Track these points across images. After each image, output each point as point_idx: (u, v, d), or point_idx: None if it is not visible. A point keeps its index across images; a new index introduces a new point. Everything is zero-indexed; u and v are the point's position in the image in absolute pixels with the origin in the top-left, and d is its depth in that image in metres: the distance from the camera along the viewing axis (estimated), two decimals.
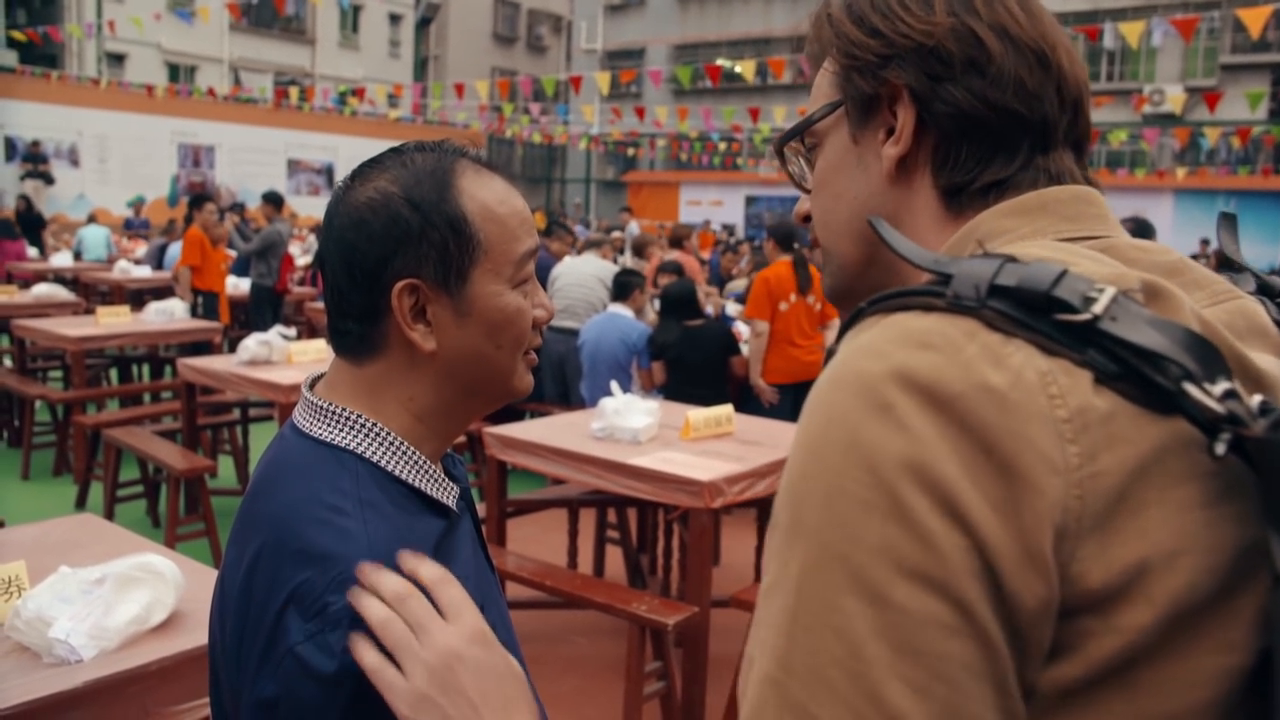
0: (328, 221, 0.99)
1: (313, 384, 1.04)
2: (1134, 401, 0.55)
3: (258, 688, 0.86)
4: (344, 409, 0.98)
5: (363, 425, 0.97)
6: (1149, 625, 0.54)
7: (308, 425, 0.98)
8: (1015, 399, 0.55)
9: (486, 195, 0.99)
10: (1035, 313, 0.57)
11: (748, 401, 5.47)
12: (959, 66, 0.71)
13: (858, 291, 0.79)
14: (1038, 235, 0.68)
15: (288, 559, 0.88)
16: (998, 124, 0.71)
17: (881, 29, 0.74)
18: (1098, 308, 0.56)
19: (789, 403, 5.62)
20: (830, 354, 0.64)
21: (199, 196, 8.19)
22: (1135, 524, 0.54)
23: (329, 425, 0.97)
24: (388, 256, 0.94)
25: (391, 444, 0.97)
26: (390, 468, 0.96)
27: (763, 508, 4.53)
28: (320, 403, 0.99)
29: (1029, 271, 0.58)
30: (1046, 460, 0.54)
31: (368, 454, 0.96)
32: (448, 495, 1.01)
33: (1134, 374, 0.55)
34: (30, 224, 13.59)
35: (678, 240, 9.43)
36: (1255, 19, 9.14)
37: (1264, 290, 0.75)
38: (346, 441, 0.96)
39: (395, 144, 1.05)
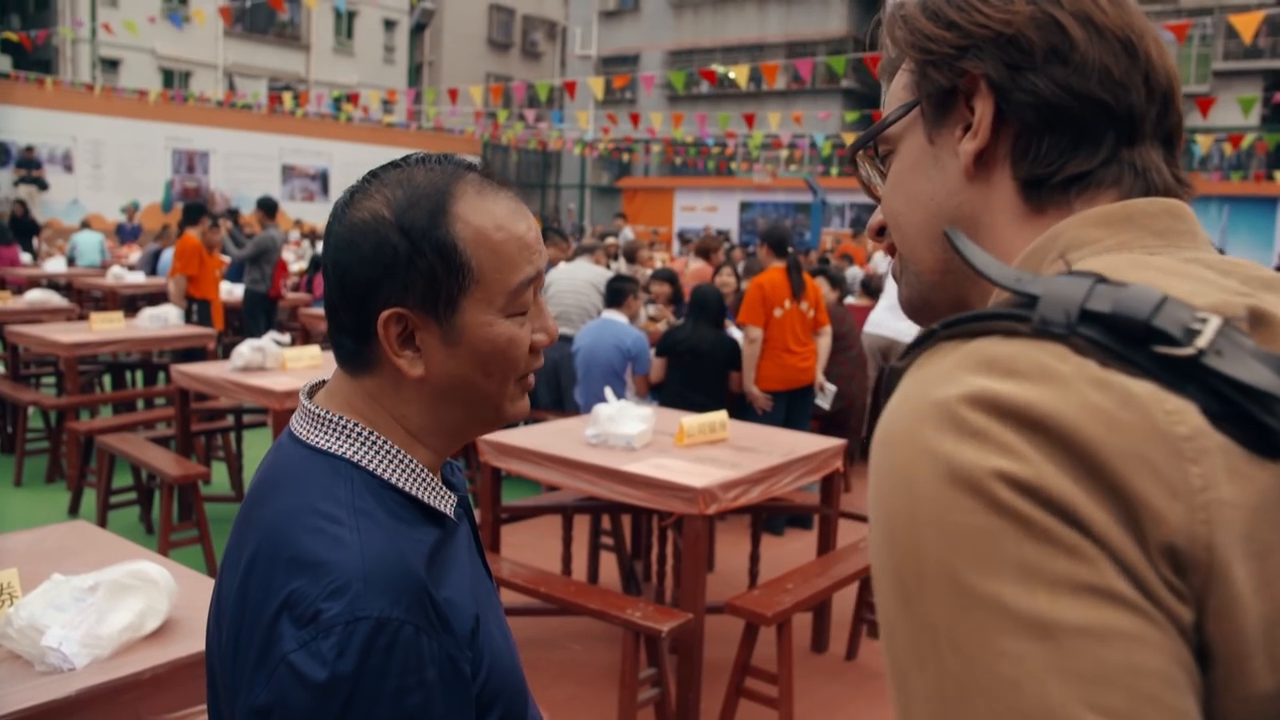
0: (326, 235, 0.99)
1: (312, 392, 1.05)
2: (1239, 443, 0.50)
3: (252, 695, 0.86)
4: (341, 417, 0.98)
5: (359, 434, 0.97)
6: (1273, 693, 0.49)
7: (305, 433, 0.99)
8: (1124, 417, 0.50)
9: (483, 220, 0.96)
10: (1131, 343, 0.52)
11: (742, 410, 5.47)
12: (1040, 55, 0.68)
13: (935, 304, 0.77)
14: (1123, 248, 0.65)
15: (281, 566, 0.88)
16: (1081, 114, 0.68)
17: (958, 21, 0.71)
18: (1202, 341, 0.51)
19: (782, 410, 5.62)
20: (893, 373, 0.61)
21: (194, 206, 8.17)
22: (1263, 570, 0.49)
23: (326, 433, 0.97)
24: (376, 281, 0.95)
25: (388, 452, 0.97)
26: (386, 476, 0.96)
27: (757, 514, 4.53)
28: (318, 411, 0.99)
29: (1125, 296, 0.53)
30: (1165, 482, 0.49)
31: (363, 462, 0.96)
32: (445, 503, 1.01)
33: (1240, 414, 0.50)
34: (25, 230, 13.54)
35: (705, 251, 9.48)
36: (1247, 24, 9.17)
37: None
38: (343, 450, 0.96)
39: (390, 150, 1.04)
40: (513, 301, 0.98)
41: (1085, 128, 0.69)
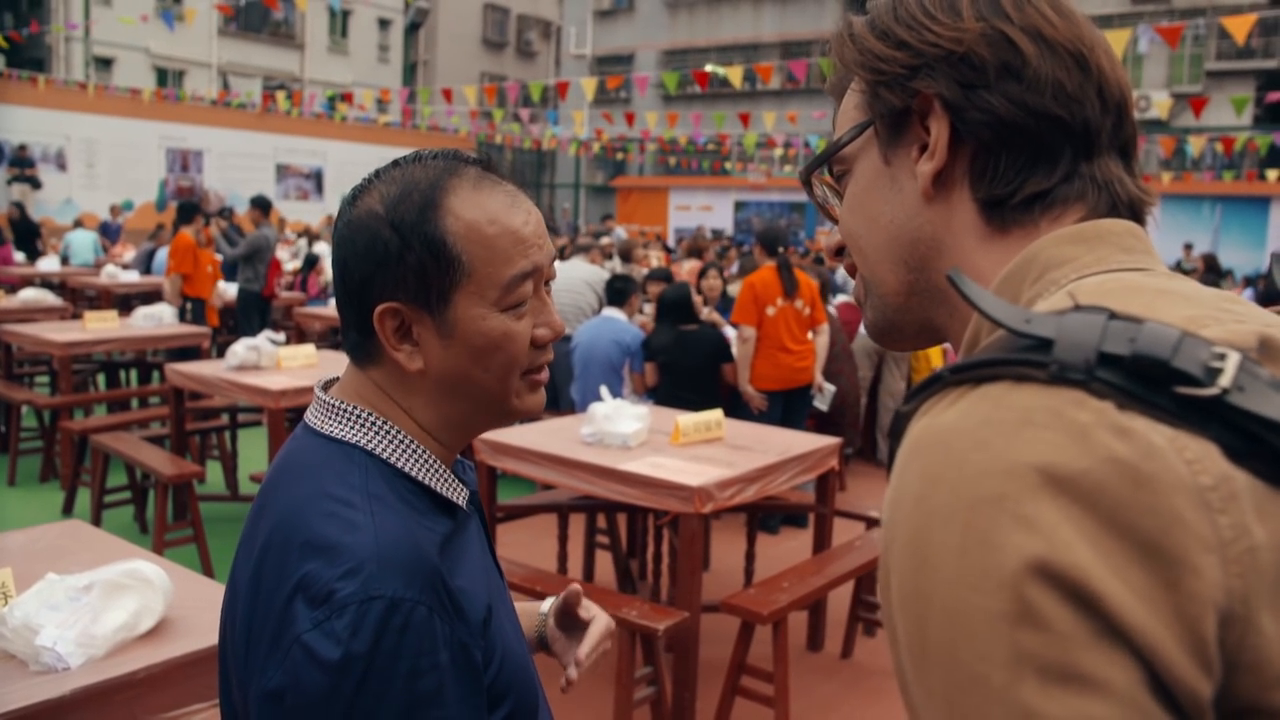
0: (333, 233, 1.01)
1: (326, 387, 1.05)
2: (1263, 479, 0.50)
3: (265, 678, 0.86)
4: (354, 406, 0.99)
5: (372, 423, 0.98)
6: None
7: (319, 423, 1.00)
8: (1149, 469, 0.49)
9: (475, 215, 0.96)
10: (1152, 385, 0.51)
11: (738, 408, 5.48)
12: (993, 72, 0.68)
13: (902, 326, 0.77)
14: (1101, 264, 0.65)
15: (295, 550, 0.88)
16: (1037, 131, 0.68)
17: (908, 40, 0.70)
18: (1225, 380, 0.51)
19: (779, 409, 5.62)
20: (901, 418, 0.60)
21: (188, 205, 8.16)
22: None
23: (339, 422, 0.98)
24: (369, 277, 0.96)
25: (401, 442, 0.98)
26: (399, 464, 0.97)
27: (752, 513, 4.54)
28: (332, 401, 1.00)
29: (1142, 337, 0.52)
30: (1197, 536, 0.48)
31: (377, 450, 0.97)
32: (457, 494, 1.01)
33: (1265, 450, 0.50)
34: (25, 232, 13.39)
35: (698, 250, 9.54)
36: (1240, 26, 9.19)
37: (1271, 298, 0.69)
38: (356, 438, 0.97)
39: (385, 149, 1.06)
40: (507, 295, 0.98)
41: (1042, 144, 0.68)
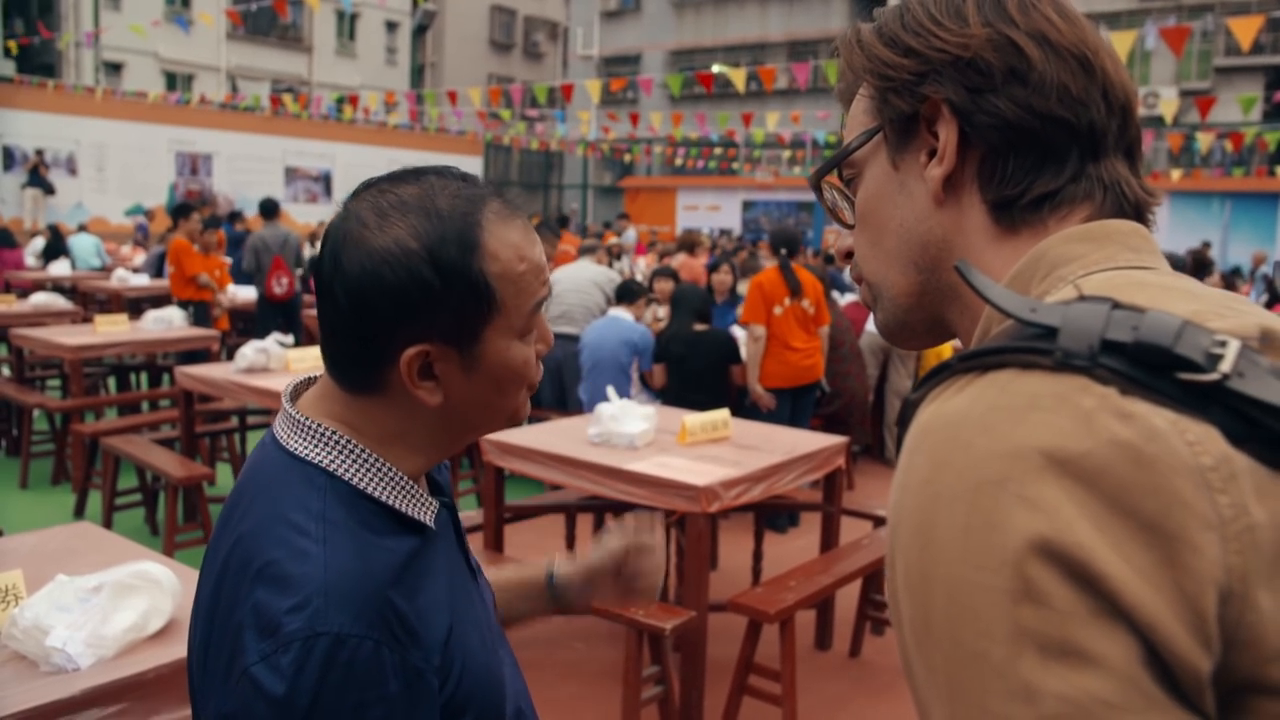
0: (336, 255, 0.94)
1: (296, 393, 1.03)
2: (1263, 462, 0.51)
3: (220, 702, 0.87)
4: (321, 425, 0.97)
5: (338, 442, 0.96)
6: None
7: (285, 438, 0.98)
8: (1151, 451, 0.50)
9: (509, 254, 0.96)
10: (1154, 371, 0.53)
11: (745, 408, 5.48)
12: (999, 76, 0.69)
13: (913, 325, 0.78)
14: (1108, 262, 0.66)
15: (249, 577, 0.88)
16: (1044, 133, 0.69)
17: (915, 46, 0.72)
18: (1225, 365, 0.52)
19: (787, 407, 5.62)
20: (910, 405, 0.62)
21: (181, 207, 8.18)
22: None
23: (304, 440, 0.96)
24: (403, 315, 0.92)
25: (366, 461, 0.96)
26: (362, 485, 0.95)
27: (760, 512, 4.54)
28: (299, 417, 0.98)
29: (1145, 324, 0.54)
30: (1198, 515, 0.49)
31: (339, 471, 0.94)
32: (425, 512, 0.99)
33: (1264, 435, 0.51)
34: (56, 255, 13.30)
35: (690, 245, 9.52)
36: (1246, 30, 9.12)
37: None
38: (319, 458, 0.95)
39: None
40: (529, 323, 0.99)
41: (1049, 146, 0.69)
